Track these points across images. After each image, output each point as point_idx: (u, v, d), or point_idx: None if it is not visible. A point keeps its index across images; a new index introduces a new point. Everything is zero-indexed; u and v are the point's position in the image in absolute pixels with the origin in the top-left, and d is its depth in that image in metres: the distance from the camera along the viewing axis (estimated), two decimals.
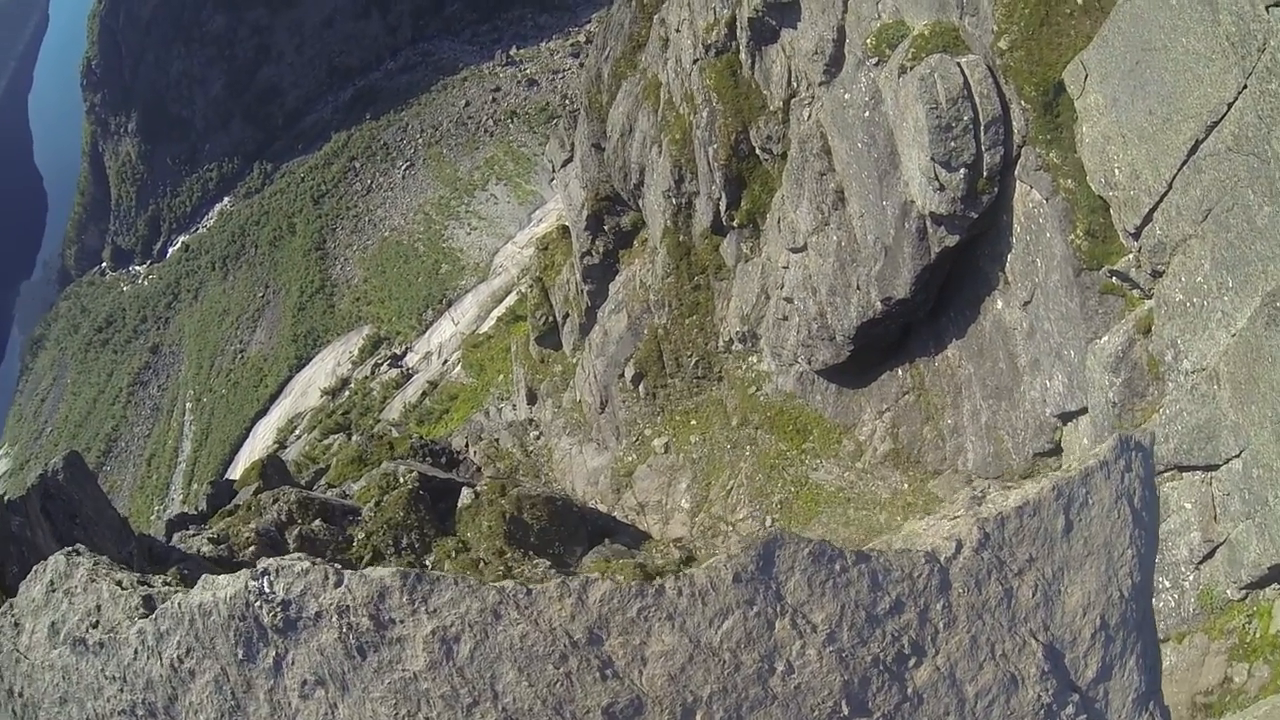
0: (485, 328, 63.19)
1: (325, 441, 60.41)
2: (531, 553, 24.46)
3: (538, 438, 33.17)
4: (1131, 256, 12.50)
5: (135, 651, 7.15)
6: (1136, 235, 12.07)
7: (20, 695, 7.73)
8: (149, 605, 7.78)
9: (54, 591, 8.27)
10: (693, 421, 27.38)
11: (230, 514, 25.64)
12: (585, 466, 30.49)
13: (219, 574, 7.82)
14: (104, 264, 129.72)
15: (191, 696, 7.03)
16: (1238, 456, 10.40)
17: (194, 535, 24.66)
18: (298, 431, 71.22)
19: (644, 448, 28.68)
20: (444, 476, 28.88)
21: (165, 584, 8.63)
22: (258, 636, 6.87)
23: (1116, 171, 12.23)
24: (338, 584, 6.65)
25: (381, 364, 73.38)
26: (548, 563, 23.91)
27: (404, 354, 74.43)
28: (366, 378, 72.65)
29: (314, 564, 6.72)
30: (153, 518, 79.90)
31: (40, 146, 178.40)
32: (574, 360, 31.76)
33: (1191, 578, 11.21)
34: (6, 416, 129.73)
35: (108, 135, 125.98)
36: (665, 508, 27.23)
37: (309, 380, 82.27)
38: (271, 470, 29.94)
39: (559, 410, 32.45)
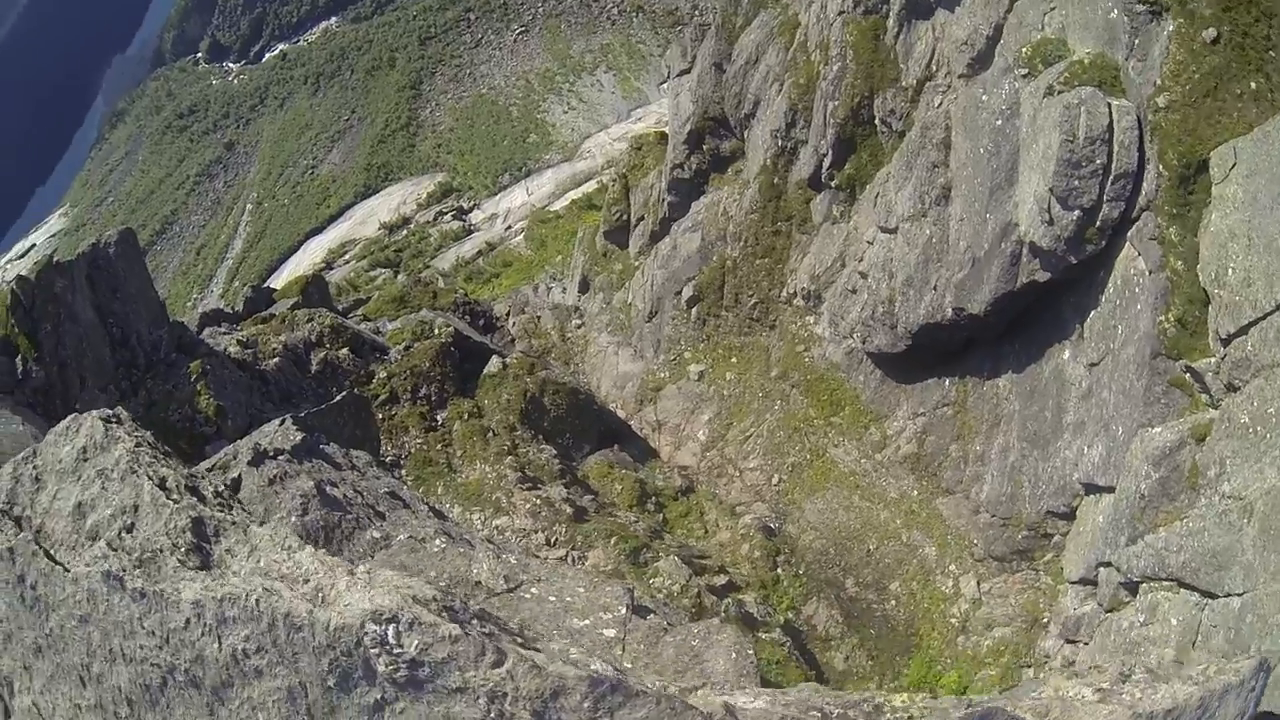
0: (557, 206, 62.52)
1: (371, 273, 60.98)
2: (541, 437, 24.82)
3: (579, 326, 33.41)
4: (1213, 360, 12.10)
5: (187, 621, 6.08)
6: (1226, 342, 11.63)
7: (33, 588, 6.84)
8: (199, 531, 6.62)
9: (85, 462, 7.25)
10: (733, 359, 27.40)
11: (264, 321, 26.03)
12: (616, 369, 30.79)
13: (292, 544, 6.35)
14: (199, 55, 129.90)
15: (251, 692, 5.98)
16: (1239, 595, 10.29)
17: (225, 334, 25.19)
18: (347, 257, 71.88)
19: (679, 369, 28.84)
20: (477, 339, 29.07)
21: (219, 501, 7.18)
22: (362, 675, 5.67)
23: (1230, 271, 11.70)
24: (496, 664, 5.46)
25: (446, 213, 73.04)
26: (554, 450, 24.34)
27: (470, 209, 74.05)
28: (428, 223, 72.53)
29: (466, 632, 5.51)
30: (189, 305, 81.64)
31: None
32: (636, 264, 31.64)
33: None
34: (74, 179, 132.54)
35: None
36: (681, 433, 27.57)
37: (371, 210, 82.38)
38: (313, 289, 30.29)
39: (607, 307, 32.56)
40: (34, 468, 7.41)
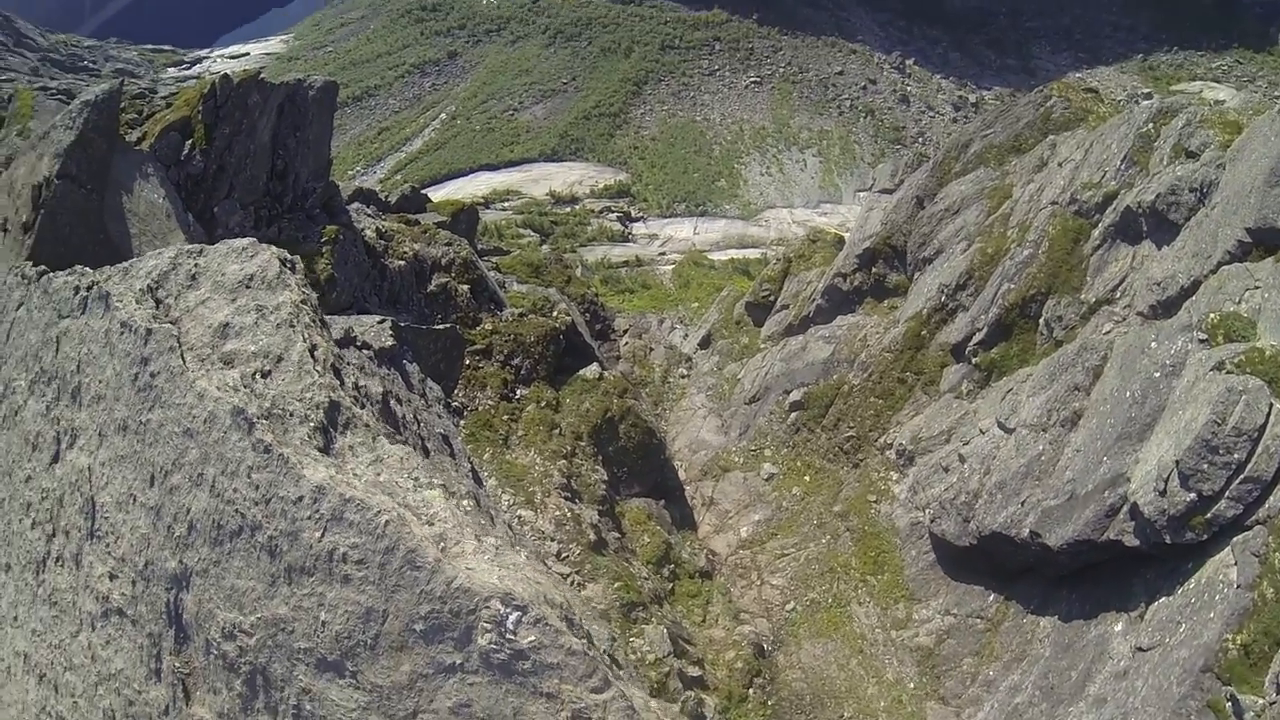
0: (715, 256, 62.87)
1: (521, 231, 62.32)
2: (601, 458, 24.75)
3: (682, 377, 33.55)
4: (1261, 702, 11.17)
5: (300, 498, 6.05)
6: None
7: (152, 376, 6.55)
8: (331, 415, 6.57)
9: (248, 289, 7.25)
10: (807, 477, 26.96)
11: (408, 223, 26.59)
12: (697, 433, 30.74)
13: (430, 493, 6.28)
14: None
15: (326, 591, 5.97)
16: None
17: (370, 215, 25.94)
18: (506, 205, 73.42)
19: (754, 462, 28.56)
20: (587, 340, 29.12)
21: (354, 394, 6.98)
22: (454, 636, 5.66)
23: None
24: (597, 690, 5.48)
25: (613, 212, 73.80)
26: (605, 475, 24.22)
27: (636, 219, 74.57)
28: (592, 212, 73.43)
29: (587, 653, 5.56)
30: (349, 175, 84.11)
31: None
32: (761, 346, 31.63)
33: None
34: (309, 16, 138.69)
35: None
36: (727, 520, 27.24)
37: (548, 174, 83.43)
38: (464, 218, 30.92)
39: (716, 372, 32.62)
40: (195, 265, 7.51)
